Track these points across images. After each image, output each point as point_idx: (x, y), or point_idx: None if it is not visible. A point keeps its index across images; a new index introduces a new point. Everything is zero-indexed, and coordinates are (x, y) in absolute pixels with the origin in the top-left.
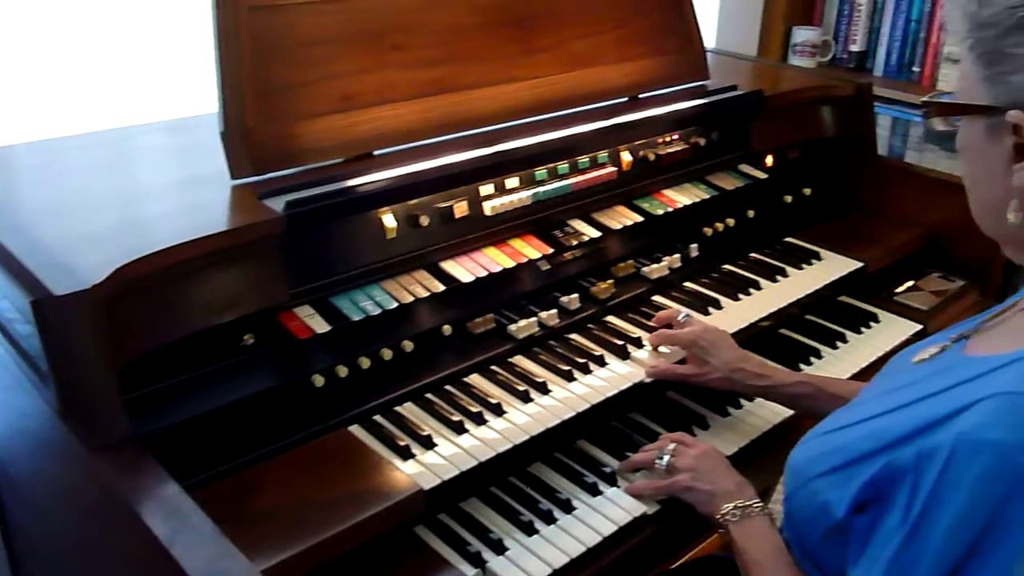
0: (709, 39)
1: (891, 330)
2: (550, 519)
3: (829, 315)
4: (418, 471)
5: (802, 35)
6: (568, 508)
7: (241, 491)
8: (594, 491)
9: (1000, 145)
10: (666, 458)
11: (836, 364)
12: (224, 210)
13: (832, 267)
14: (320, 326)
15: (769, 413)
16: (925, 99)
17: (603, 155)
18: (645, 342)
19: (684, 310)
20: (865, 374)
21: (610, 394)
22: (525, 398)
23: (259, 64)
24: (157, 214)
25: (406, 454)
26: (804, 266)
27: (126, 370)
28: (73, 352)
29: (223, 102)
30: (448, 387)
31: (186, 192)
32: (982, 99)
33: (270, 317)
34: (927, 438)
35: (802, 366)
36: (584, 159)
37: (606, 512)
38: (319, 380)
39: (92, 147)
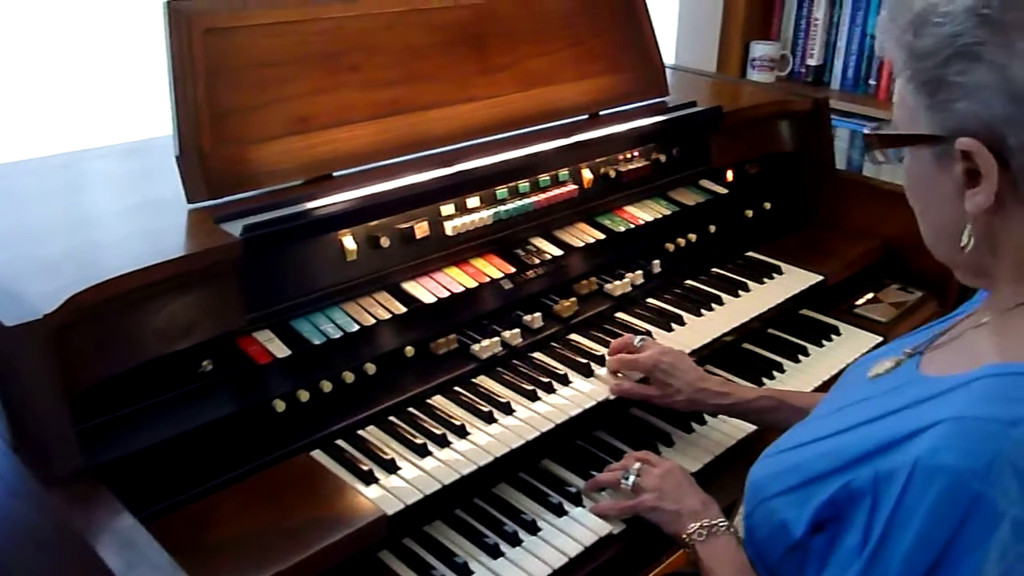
0: (668, 55)
1: (852, 342)
2: (516, 541)
3: (791, 328)
4: (381, 495)
5: (760, 50)
6: (533, 529)
7: (199, 521)
8: (559, 511)
9: (949, 173)
10: (631, 478)
11: (799, 377)
12: (180, 235)
13: (793, 281)
14: (280, 350)
15: (732, 428)
16: (866, 132)
17: (564, 173)
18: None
19: (639, 335)
20: (828, 386)
21: (574, 413)
22: (489, 419)
23: (214, 87)
24: (112, 240)
25: (369, 479)
26: (766, 280)
27: (80, 399)
28: (24, 383)
29: (177, 125)
30: (411, 409)
31: (141, 217)
32: (927, 128)
33: (229, 342)
34: (884, 459)
35: (765, 380)
36: (545, 177)
37: (572, 532)
38: (280, 405)
39: (45, 172)
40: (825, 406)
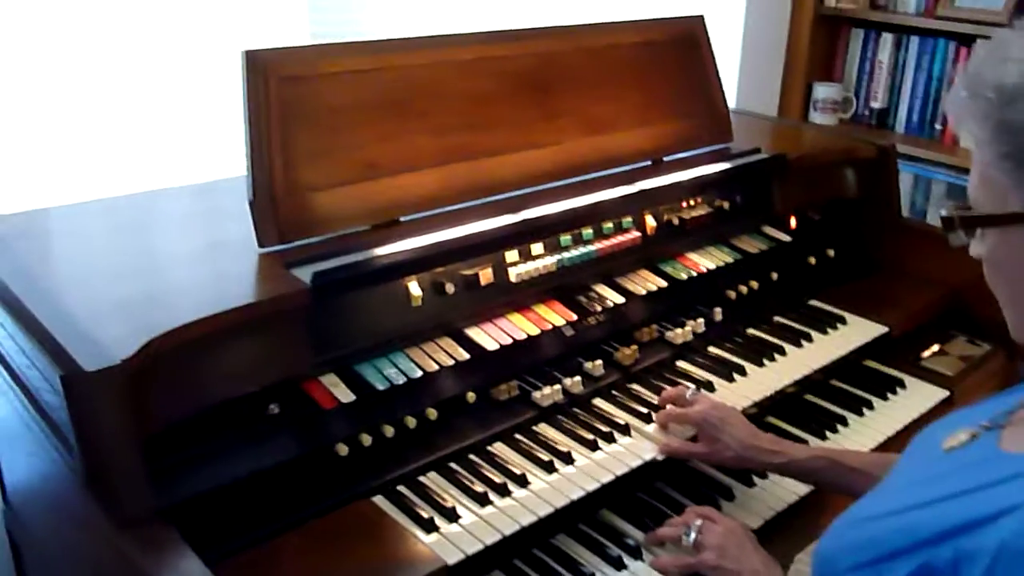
0: (729, 96)
1: (917, 396)
2: None
3: (854, 380)
4: (441, 544)
5: (823, 92)
6: None
7: (261, 565)
8: (618, 565)
9: None
10: (693, 534)
11: (863, 432)
12: (251, 280)
13: (857, 331)
14: (345, 395)
15: (795, 484)
16: (945, 214)
17: (627, 220)
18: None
19: (691, 387)
20: (893, 443)
21: (634, 465)
22: (549, 468)
23: (288, 133)
24: (184, 283)
25: (429, 527)
26: (829, 330)
27: (150, 440)
28: (100, 426)
29: (251, 171)
30: (472, 456)
31: (213, 260)
32: (1020, 206)
33: (294, 386)
34: (966, 540)
35: (829, 434)
36: (609, 224)
37: None
38: (343, 449)
39: (119, 211)
40: (898, 476)
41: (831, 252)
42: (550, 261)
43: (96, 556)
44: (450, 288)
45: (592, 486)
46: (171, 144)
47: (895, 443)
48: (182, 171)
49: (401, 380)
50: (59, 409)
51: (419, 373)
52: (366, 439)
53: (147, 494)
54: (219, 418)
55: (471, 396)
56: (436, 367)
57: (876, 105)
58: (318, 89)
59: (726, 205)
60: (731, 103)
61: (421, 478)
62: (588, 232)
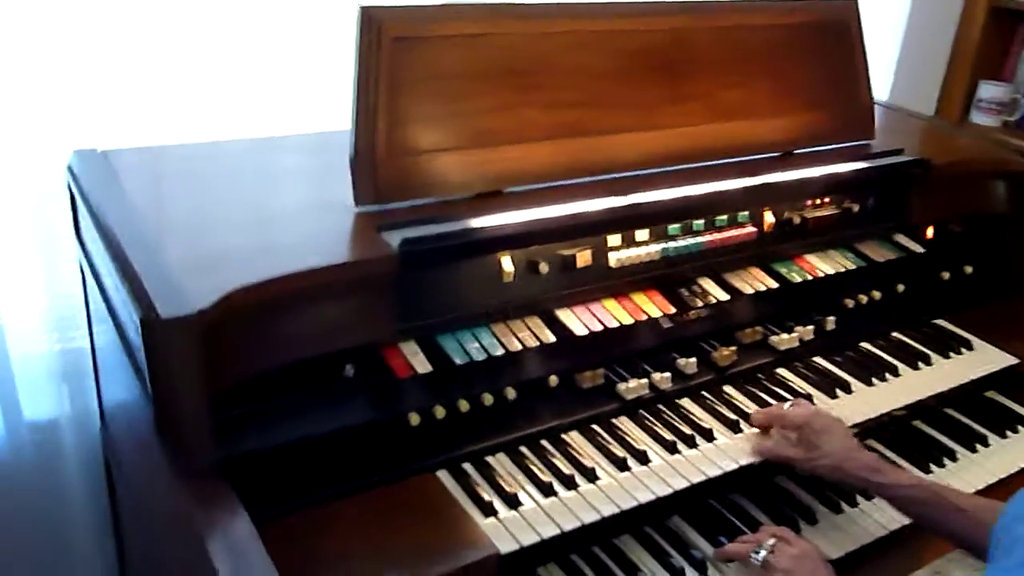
0: (883, 87)
1: None
2: None
3: (972, 412)
4: (497, 530)
5: (989, 91)
6: None
7: (317, 528)
8: None
9: None
10: (763, 553)
11: (970, 470)
12: (342, 241)
13: (982, 359)
14: (422, 366)
15: (886, 517)
16: None
17: (744, 214)
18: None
19: (791, 401)
20: (1004, 486)
21: (713, 474)
22: (622, 466)
23: (396, 94)
24: (277, 239)
25: (488, 510)
26: (951, 355)
27: (221, 392)
28: (172, 374)
29: (356, 127)
30: (544, 442)
31: (310, 216)
32: None
33: (374, 350)
34: None
35: (932, 467)
36: (722, 217)
37: None
38: (415, 419)
39: (230, 157)
40: None
41: (968, 269)
42: (654, 249)
43: (160, 499)
44: (544, 267)
45: (663, 491)
46: (296, 90)
47: (1008, 487)
48: (305, 119)
49: (482, 356)
50: (139, 351)
51: (501, 351)
52: (439, 412)
53: (212, 449)
54: (292, 375)
55: (553, 380)
56: (520, 347)
57: None
58: (431, 51)
59: (856, 208)
60: (884, 95)
61: (488, 458)
62: (699, 223)
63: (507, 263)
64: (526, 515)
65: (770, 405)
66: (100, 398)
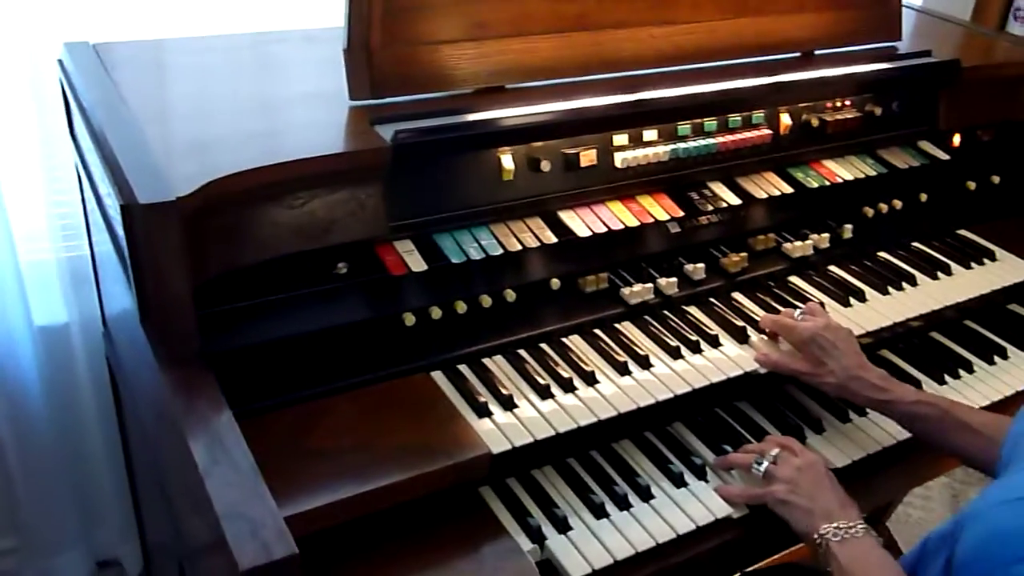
0: None
1: None
2: (624, 504)
3: (993, 324)
4: (490, 431)
5: None
6: (647, 496)
7: (306, 423)
8: (679, 482)
9: None
10: (765, 463)
11: (988, 381)
12: (334, 133)
13: (1006, 270)
14: (417, 264)
15: (896, 427)
16: None
17: (759, 115)
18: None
19: (802, 307)
20: (1021, 398)
21: (716, 380)
22: (623, 370)
23: None
24: (267, 128)
25: (483, 411)
26: (974, 265)
27: (210, 284)
28: (154, 262)
29: (349, 17)
30: (543, 345)
31: (302, 108)
32: None
33: (368, 248)
34: None
35: (948, 378)
36: (736, 117)
37: (687, 508)
38: (410, 319)
39: (223, 51)
40: None
41: (996, 179)
42: (662, 150)
43: (147, 391)
44: (546, 166)
45: (663, 395)
46: None
47: (1018, 400)
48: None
49: (480, 256)
50: (122, 240)
51: (500, 251)
52: (435, 312)
53: (195, 337)
54: (284, 270)
55: (555, 283)
56: (519, 247)
57: None
58: None
59: (878, 111)
60: (915, 3)
61: (486, 360)
62: (711, 123)
63: (507, 160)
64: (521, 417)
65: (780, 312)
66: (101, 303)
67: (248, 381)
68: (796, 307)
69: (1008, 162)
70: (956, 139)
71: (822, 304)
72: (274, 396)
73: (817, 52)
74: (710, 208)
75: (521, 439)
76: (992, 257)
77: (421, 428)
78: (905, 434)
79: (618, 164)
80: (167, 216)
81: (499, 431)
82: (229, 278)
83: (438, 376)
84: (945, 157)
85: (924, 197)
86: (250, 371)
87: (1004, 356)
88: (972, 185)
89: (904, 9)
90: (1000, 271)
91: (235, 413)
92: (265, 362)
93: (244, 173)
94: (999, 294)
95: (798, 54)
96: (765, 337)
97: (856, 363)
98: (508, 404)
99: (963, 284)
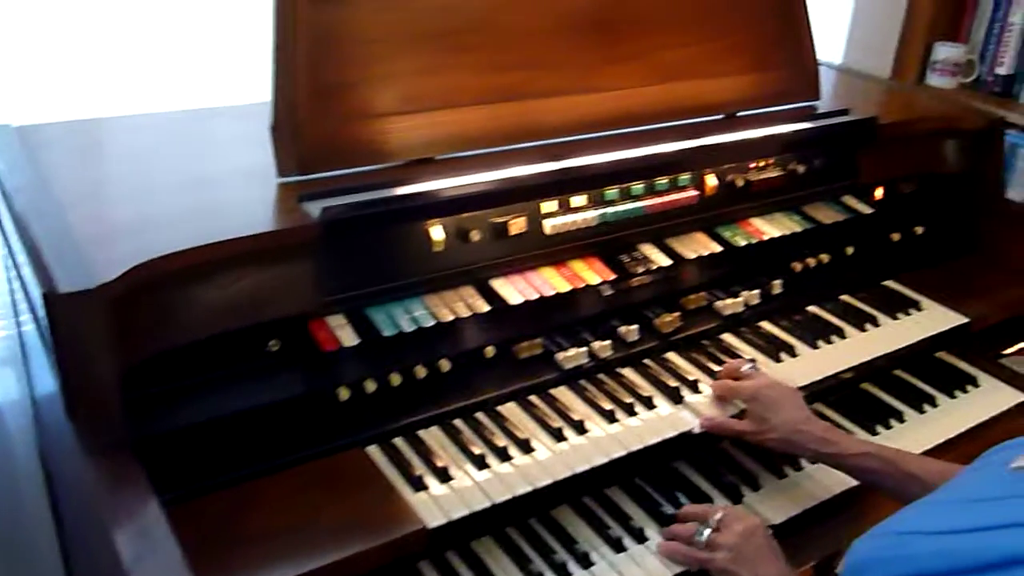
0: (837, 51)
1: (990, 398)
2: (563, 573)
3: (921, 373)
4: (426, 505)
5: (944, 52)
6: (586, 563)
7: (239, 506)
8: (618, 547)
9: None
10: (707, 532)
11: (919, 430)
12: (260, 210)
13: (931, 320)
14: (349, 338)
15: (831, 480)
16: None
17: (685, 177)
18: (703, 386)
19: (748, 361)
20: (951, 446)
21: (651, 441)
22: (558, 436)
23: (317, 59)
24: (195, 208)
25: (418, 484)
26: (900, 315)
27: (139, 367)
28: (78, 350)
29: (275, 95)
30: (479, 414)
31: (233, 186)
32: None
33: (300, 324)
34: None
35: (880, 429)
36: (663, 180)
37: (626, 573)
38: (344, 393)
39: (152, 129)
40: (954, 491)
41: (919, 229)
42: (591, 215)
43: (73, 482)
44: (476, 235)
45: (599, 460)
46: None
47: (956, 448)
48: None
49: (412, 328)
50: (45, 328)
51: (432, 322)
52: (370, 385)
53: (120, 426)
54: (215, 350)
55: (490, 351)
56: (452, 317)
57: (1002, 71)
58: (353, 14)
59: (801, 169)
60: (838, 58)
61: (421, 432)
62: (638, 187)
63: (437, 232)
64: (457, 489)
65: (714, 370)
66: (31, 387)
67: (180, 465)
68: (745, 360)
69: (930, 213)
70: (879, 192)
71: (753, 361)
72: (207, 479)
73: (740, 113)
74: (641, 270)
75: (457, 511)
76: (918, 307)
77: (357, 505)
78: (842, 486)
79: (548, 231)
80: (90, 304)
81: (435, 504)
82: (159, 360)
83: (373, 450)
84: (868, 211)
85: (850, 250)
86: (182, 454)
87: (934, 404)
88: (896, 236)
89: (825, 68)
90: (926, 320)
91: (166, 499)
92: (197, 444)
93: (171, 256)
94: (926, 343)
95: (721, 116)
96: (700, 398)
97: (800, 417)
98: (444, 476)
99: (891, 335)
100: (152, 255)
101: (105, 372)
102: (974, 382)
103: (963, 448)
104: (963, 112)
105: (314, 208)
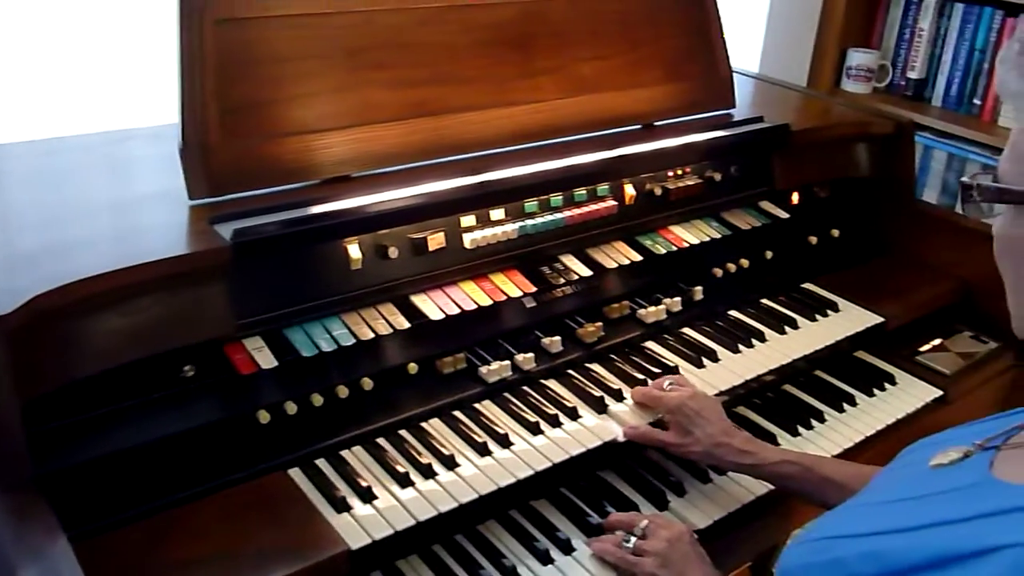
0: (753, 60)
1: (907, 394)
2: None
3: (841, 373)
4: (349, 527)
5: (857, 58)
6: None
7: (156, 537)
8: (545, 559)
9: None
10: (633, 540)
11: (839, 429)
12: (170, 234)
13: (848, 320)
14: (267, 360)
15: (754, 484)
16: (965, 180)
17: (603, 188)
18: (626, 395)
19: (669, 380)
20: (871, 444)
21: (576, 452)
22: (483, 450)
23: (225, 80)
24: (105, 234)
25: (341, 506)
26: (818, 317)
27: (45, 399)
28: None
29: (183, 118)
30: (403, 432)
31: (145, 210)
32: None
33: (215, 348)
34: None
35: (801, 429)
36: (581, 191)
37: None
38: (264, 416)
39: (62, 153)
40: (875, 492)
41: (835, 232)
42: (510, 228)
43: None
44: (394, 252)
45: (524, 473)
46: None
47: (874, 446)
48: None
49: (332, 347)
50: None
51: (352, 341)
52: (291, 407)
53: (24, 458)
54: (127, 378)
55: (412, 367)
56: (372, 335)
57: (913, 76)
58: (261, 34)
59: (718, 176)
60: (755, 67)
61: (344, 452)
62: (557, 199)
63: (354, 250)
64: (381, 509)
65: (637, 379)
66: None
67: (91, 498)
68: (654, 373)
69: (846, 216)
70: (795, 197)
71: (677, 368)
72: (122, 511)
73: (656, 124)
74: (563, 281)
75: (381, 531)
76: (835, 308)
77: (277, 530)
78: (766, 488)
79: (467, 245)
80: None
81: (358, 525)
82: (67, 391)
83: (295, 473)
84: (785, 215)
85: (769, 255)
86: (93, 487)
87: (853, 403)
88: (814, 240)
89: (742, 77)
90: (844, 321)
91: (80, 534)
92: (110, 476)
93: (75, 284)
94: (844, 343)
95: (638, 127)
96: (624, 407)
97: (721, 429)
98: (367, 496)
99: (810, 336)
100: (55, 284)
101: (5, 406)
102: (891, 380)
103: (884, 447)
104: (873, 118)
105: (225, 230)
